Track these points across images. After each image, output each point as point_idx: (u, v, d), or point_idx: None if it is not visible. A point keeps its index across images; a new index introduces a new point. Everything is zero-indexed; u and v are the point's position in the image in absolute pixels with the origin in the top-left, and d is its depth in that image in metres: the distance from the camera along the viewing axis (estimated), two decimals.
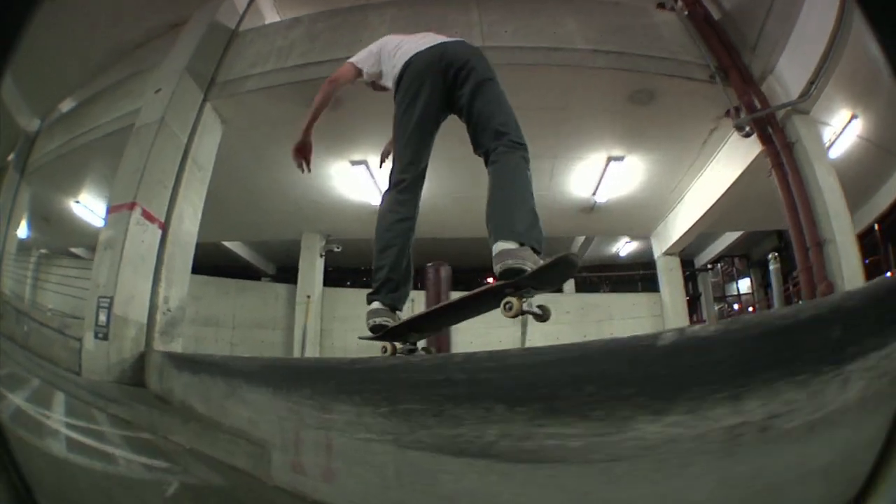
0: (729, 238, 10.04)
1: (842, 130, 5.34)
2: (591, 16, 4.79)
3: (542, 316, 1.81)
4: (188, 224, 4.90)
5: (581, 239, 10.65)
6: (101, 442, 2.39)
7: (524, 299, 1.66)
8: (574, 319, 9.00)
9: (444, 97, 2.03)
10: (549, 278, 1.67)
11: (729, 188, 5.69)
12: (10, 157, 8.91)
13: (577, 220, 7.74)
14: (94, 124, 6.89)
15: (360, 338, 2.10)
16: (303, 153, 2.36)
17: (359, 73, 2.30)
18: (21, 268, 8.86)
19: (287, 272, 12.92)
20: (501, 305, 1.67)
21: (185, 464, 1.96)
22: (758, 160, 4.89)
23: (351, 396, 1.30)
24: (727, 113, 4.76)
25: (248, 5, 6.09)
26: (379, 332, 1.96)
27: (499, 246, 1.66)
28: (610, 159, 5.87)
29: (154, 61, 6.40)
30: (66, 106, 8.50)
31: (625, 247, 10.92)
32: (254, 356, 3.10)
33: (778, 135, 4.50)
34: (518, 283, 1.64)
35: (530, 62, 4.54)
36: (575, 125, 5.28)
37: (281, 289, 10.21)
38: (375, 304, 1.97)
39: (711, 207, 6.21)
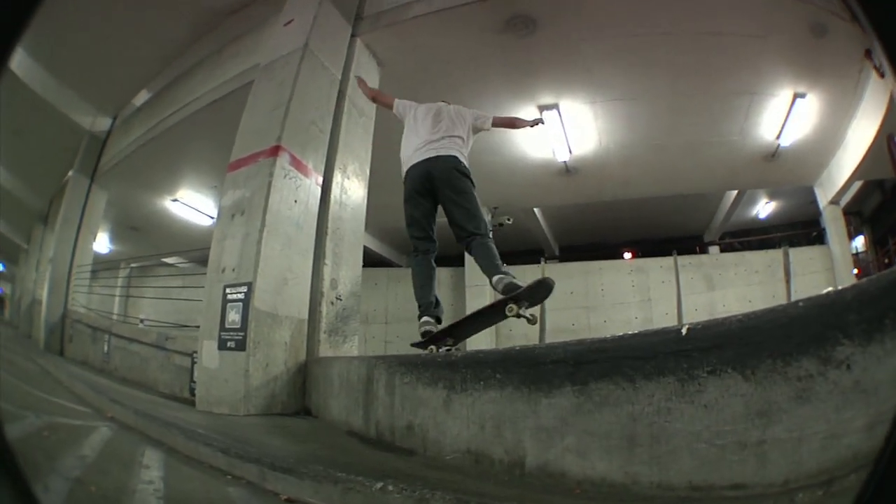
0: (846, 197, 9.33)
1: None
2: None
3: (532, 321, 2.64)
4: (355, 182, 3.48)
5: (731, 199, 10.08)
6: None
7: (521, 307, 2.53)
8: (764, 279, 8.42)
9: (432, 196, 2.93)
10: (536, 293, 2.58)
11: (879, 129, 5.76)
12: (70, 172, 7.89)
13: (755, 171, 7.63)
14: (190, 98, 5.69)
15: (411, 345, 2.91)
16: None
17: (392, 108, 3.28)
18: (103, 285, 7.68)
19: None
20: (505, 309, 2.54)
21: None
22: (893, 102, 5.13)
23: None
24: (865, 53, 4.97)
25: None
26: (427, 336, 2.82)
27: (495, 278, 2.64)
28: (796, 96, 6.03)
29: (254, 26, 5.23)
30: (143, 98, 7.41)
31: (764, 207, 10.90)
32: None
33: None
34: (517, 296, 2.53)
35: None
36: (771, 57, 5.36)
37: (444, 273, 8.68)
38: (423, 319, 2.87)
39: (868, 151, 6.25)
